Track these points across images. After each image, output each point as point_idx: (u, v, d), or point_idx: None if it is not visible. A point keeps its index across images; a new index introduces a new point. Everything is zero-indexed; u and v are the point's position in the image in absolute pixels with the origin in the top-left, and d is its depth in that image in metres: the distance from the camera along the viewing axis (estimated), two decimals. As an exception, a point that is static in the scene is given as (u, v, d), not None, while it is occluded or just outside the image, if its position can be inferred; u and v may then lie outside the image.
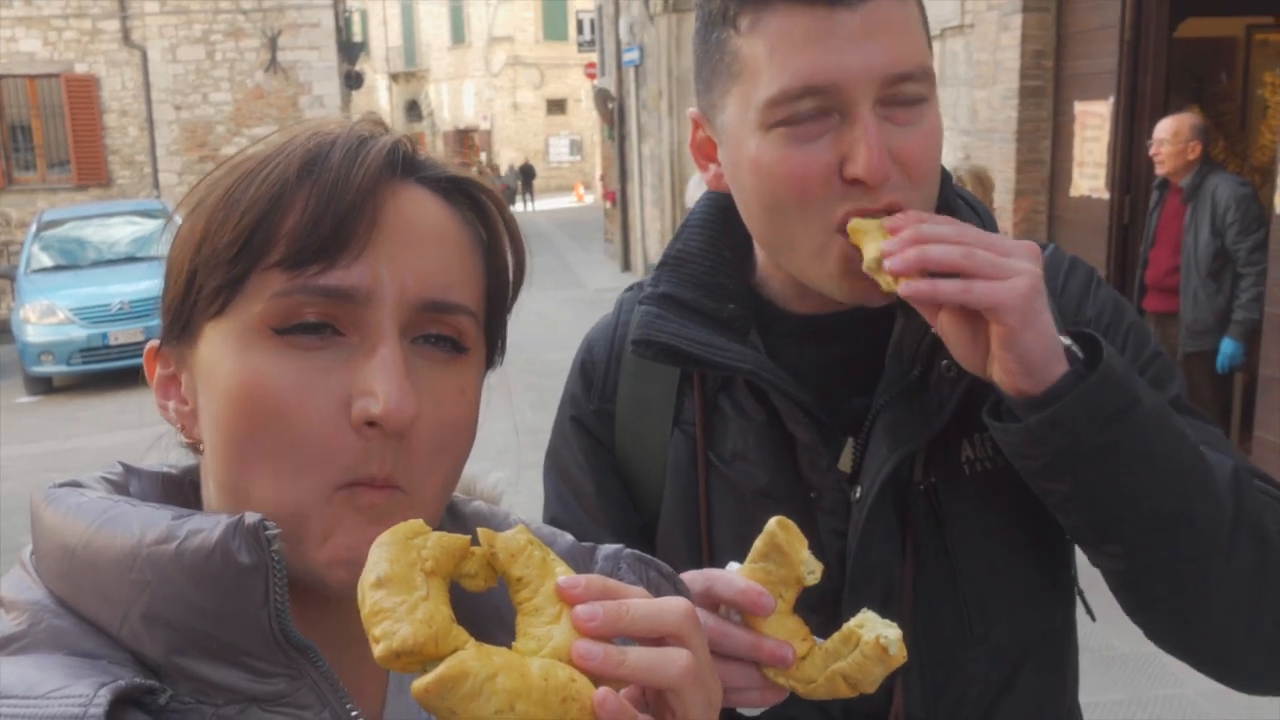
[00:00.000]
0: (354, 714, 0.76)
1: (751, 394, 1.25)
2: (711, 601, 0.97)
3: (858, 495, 1.20)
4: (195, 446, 0.83)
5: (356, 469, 0.75)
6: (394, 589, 0.65)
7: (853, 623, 0.94)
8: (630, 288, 1.41)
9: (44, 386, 12.50)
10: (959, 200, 1.28)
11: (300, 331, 0.75)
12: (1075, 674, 1.35)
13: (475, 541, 0.71)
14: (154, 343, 0.84)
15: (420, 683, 0.63)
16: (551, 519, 1.39)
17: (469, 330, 0.82)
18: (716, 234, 1.30)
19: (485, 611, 0.83)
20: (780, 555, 0.90)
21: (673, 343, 1.23)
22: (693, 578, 0.98)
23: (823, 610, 1.20)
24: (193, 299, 0.78)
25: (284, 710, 0.74)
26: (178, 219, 0.82)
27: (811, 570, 0.91)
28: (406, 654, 0.63)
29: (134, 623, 0.73)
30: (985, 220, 1.29)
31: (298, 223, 0.75)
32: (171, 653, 0.73)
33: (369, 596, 0.65)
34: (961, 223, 1.08)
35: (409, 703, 0.86)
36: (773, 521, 0.91)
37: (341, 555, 0.75)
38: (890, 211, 1.10)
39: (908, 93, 1.09)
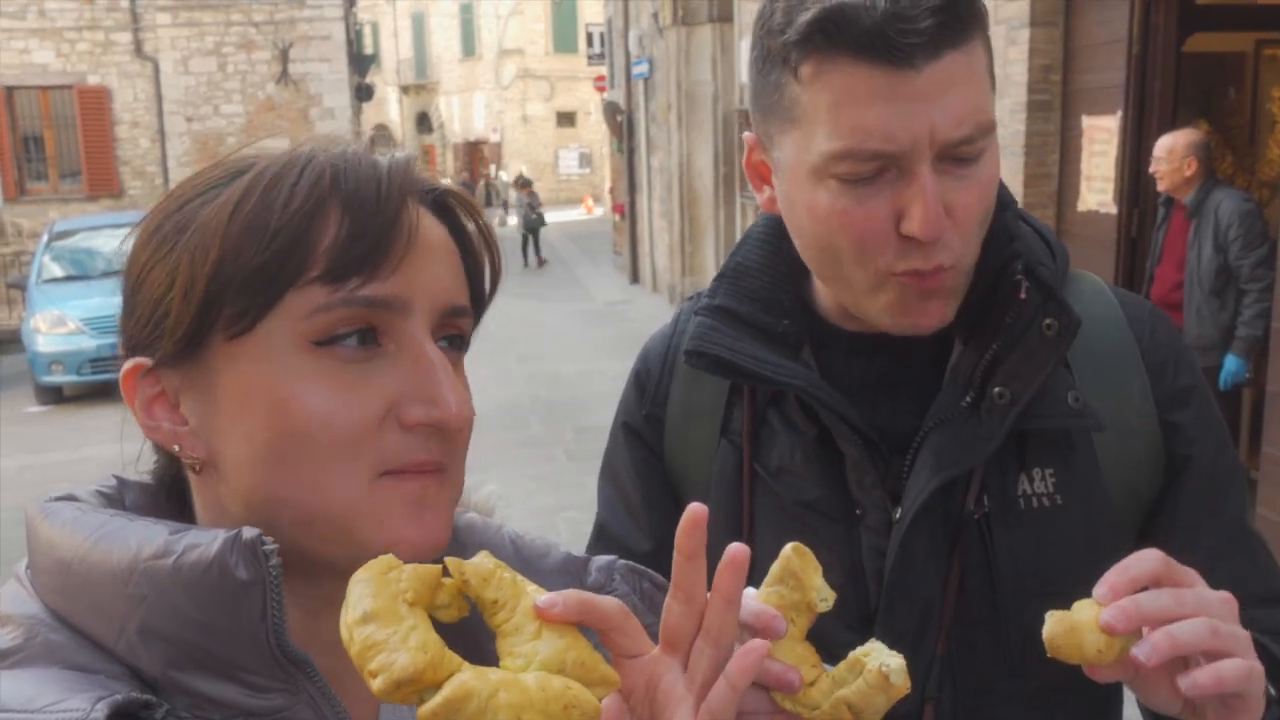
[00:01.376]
0: None
1: (802, 410, 1.26)
2: None
3: (898, 516, 1.20)
4: (194, 466, 0.81)
5: (399, 457, 0.77)
6: (382, 622, 0.66)
7: (859, 651, 0.95)
8: (690, 298, 1.42)
9: (54, 396, 12.53)
10: (1022, 225, 1.27)
11: (339, 343, 0.77)
12: (1119, 711, 1.33)
13: (446, 573, 0.72)
14: (138, 363, 0.81)
15: (427, 708, 0.64)
16: (600, 525, 1.43)
17: (469, 330, 0.86)
18: (776, 249, 1.30)
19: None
20: (794, 581, 0.91)
21: (724, 355, 1.24)
22: None
23: (859, 628, 1.21)
24: (212, 320, 0.77)
25: None
26: (134, 237, 0.82)
27: (824, 598, 0.92)
28: (407, 683, 0.64)
29: (130, 637, 0.73)
30: (1053, 246, 1.29)
31: (336, 238, 0.76)
32: (168, 667, 0.73)
33: (357, 633, 0.66)
34: (1175, 590, 0.98)
35: (403, 715, 0.86)
36: (789, 547, 0.92)
37: (405, 536, 0.77)
38: (939, 270, 1.11)
39: (967, 152, 1.09)
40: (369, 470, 0.77)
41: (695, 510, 0.77)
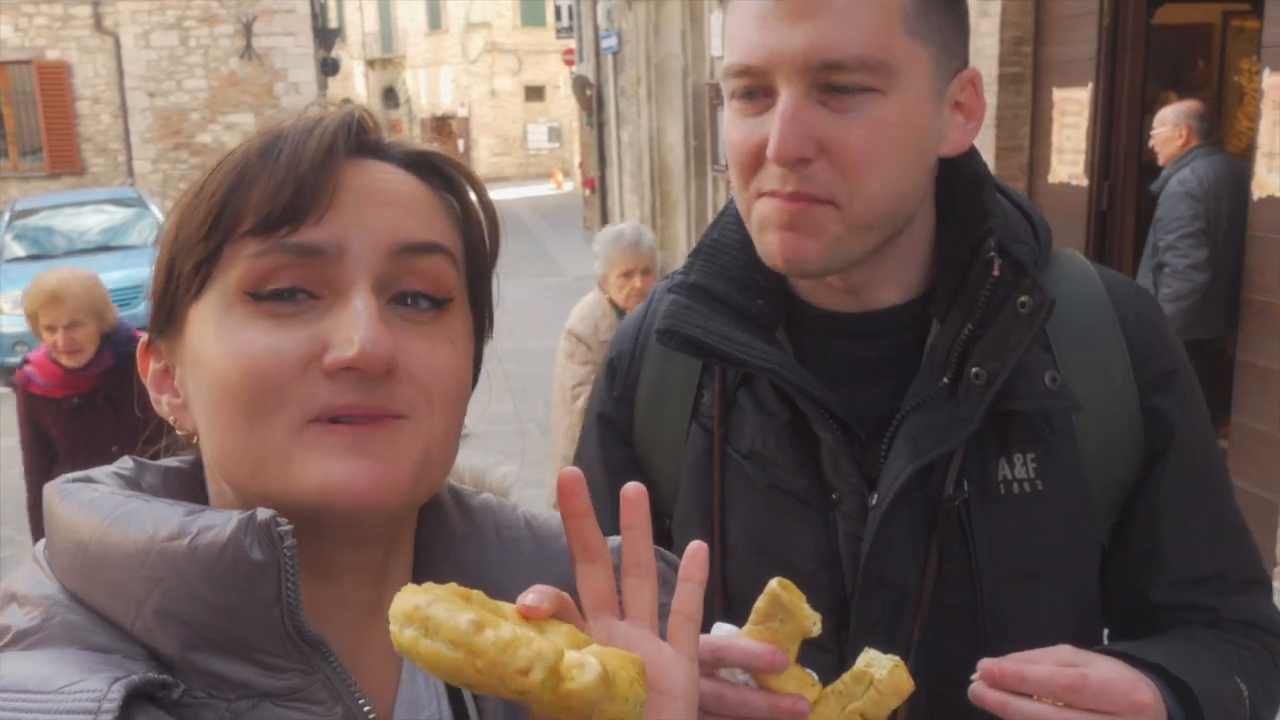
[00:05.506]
0: (366, 709, 0.77)
1: (775, 393, 1.24)
2: (712, 667, 0.98)
3: (874, 501, 1.19)
4: (189, 439, 0.84)
5: (330, 401, 0.75)
6: (492, 625, 0.65)
7: (860, 664, 1.01)
8: (666, 277, 1.40)
9: (19, 377, 12.37)
10: (1001, 201, 1.25)
11: (275, 299, 0.76)
12: None
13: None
14: (144, 339, 0.85)
15: (585, 684, 0.65)
16: None
17: (448, 275, 0.82)
18: None
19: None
20: (786, 613, 0.96)
21: (696, 335, 1.23)
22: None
23: (833, 614, 1.20)
24: (174, 285, 0.80)
25: (297, 705, 0.75)
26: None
27: (815, 621, 0.97)
28: (555, 669, 0.65)
29: (147, 618, 0.73)
30: (1035, 222, 1.28)
31: (263, 193, 0.77)
32: (184, 648, 0.73)
33: (480, 641, 0.64)
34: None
35: (419, 694, 0.87)
36: (774, 582, 0.96)
37: (334, 481, 0.74)
38: (795, 199, 1.11)
39: (842, 81, 1.08)
40: (294, 418, 0.75)
41: (568, 475, 0.80)
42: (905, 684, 1.00)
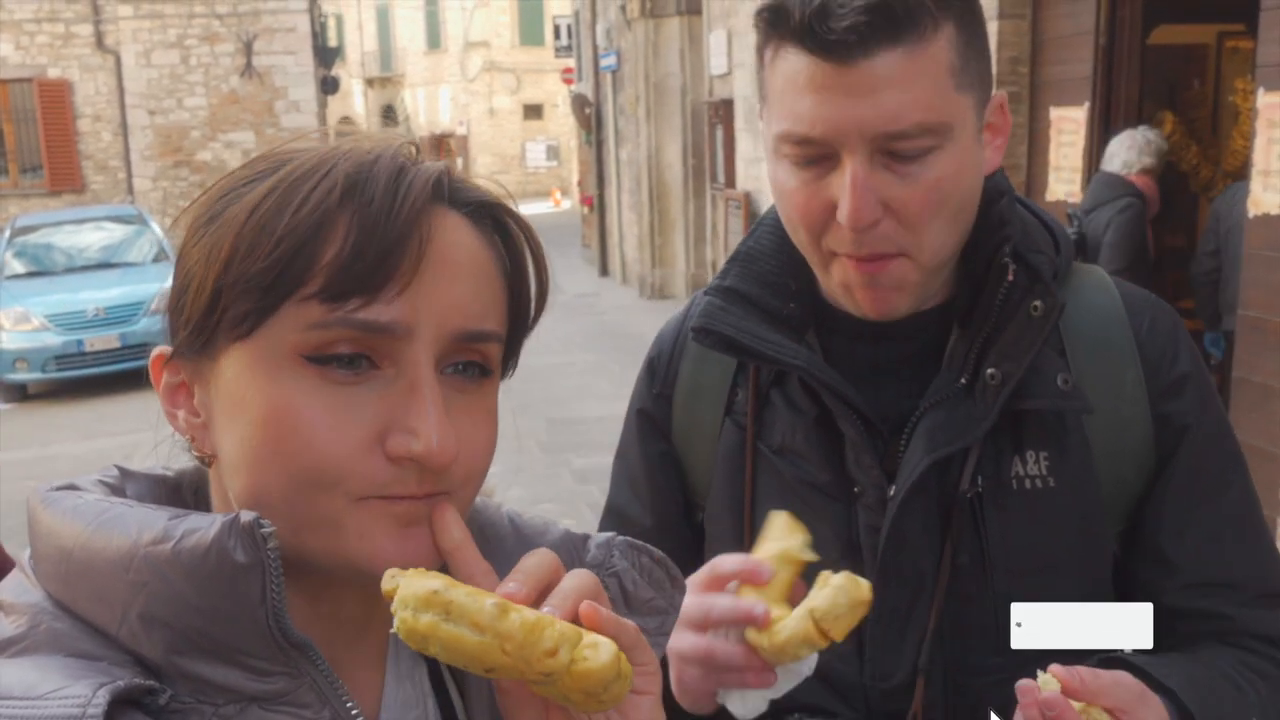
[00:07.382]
0: (354, 711, 0.77)
1: (804, 391, 1.31)
2: (716, 581, 1.05)
3: (892, 493, 1.24)
4: (204, 459, 0.82)
5: (386, 487, 0.75)
6: (515, 609, 0.66)
7: (823, 575, 1.05)
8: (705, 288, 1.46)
9: (19, 394, 12.36)
10: (1021, 213, 1.30)
11: (335, 364, 0.75)
12: None
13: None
14: (163, 350, 0.82)
15: (602, 664, 0.67)
16: (608, 504, 1.50)
17: (495, 355, 0.82)
18: (787, 235, 1.32)
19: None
20: (779, 534, 1.01)
21: (730, 333, 1.30)
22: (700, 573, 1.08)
23: None
24: (217, 318, 0.76)
25: (284, 709, 0.75)
26: (182, 224, 0.81)
27: (804, 546, 1.02)
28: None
29: (132, 623, 0.73)
30: (1058, 236, 1.32)
31: (339, 254, 0.73)
32: (170, 653, 0.73)
33: (506, 625, 0.66)
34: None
35: (406, 696, 0.87)
36: (771, 513, 1.02)
37: (386, 555, 0.75)
38: (877, 258, 1.17)
39: (905, 148, 1.13)
40: (350, 494, 0.75)
41: (438, 513, 0.78)
42: (862, 590, 1.02)
